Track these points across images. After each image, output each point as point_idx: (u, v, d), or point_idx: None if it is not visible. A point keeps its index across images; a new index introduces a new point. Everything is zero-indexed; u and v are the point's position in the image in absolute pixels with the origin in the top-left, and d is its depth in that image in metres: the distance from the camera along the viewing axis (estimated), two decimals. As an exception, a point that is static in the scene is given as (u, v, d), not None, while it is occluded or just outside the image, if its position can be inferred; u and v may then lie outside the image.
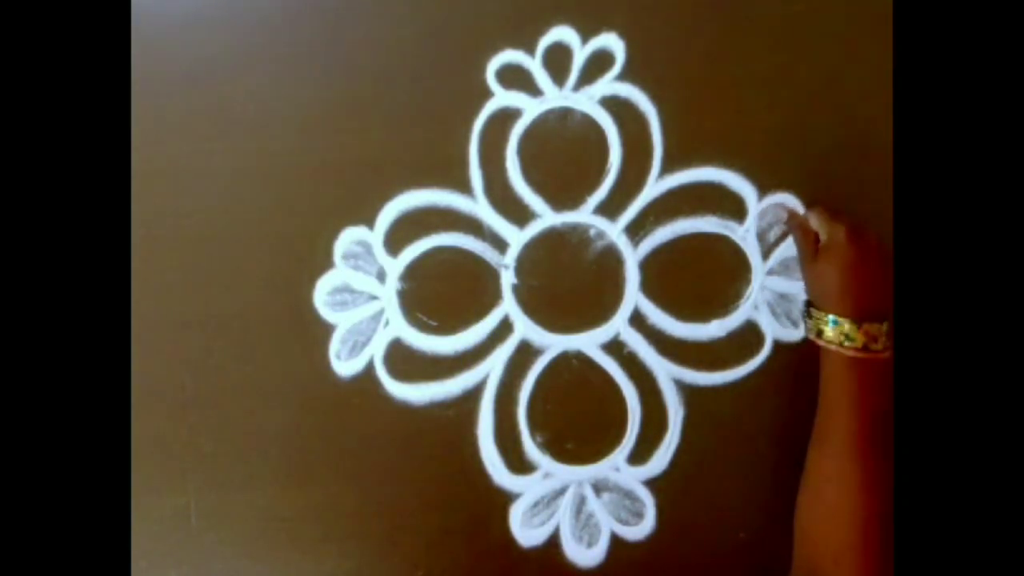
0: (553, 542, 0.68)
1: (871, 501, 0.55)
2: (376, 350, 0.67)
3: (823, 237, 0.61)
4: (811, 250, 0.61)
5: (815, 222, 0.63)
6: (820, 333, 0.60)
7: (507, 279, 0.68)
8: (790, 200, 0.67)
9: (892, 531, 0.53)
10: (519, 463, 0.68)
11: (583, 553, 0.68)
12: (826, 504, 0.57)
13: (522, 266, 0.68)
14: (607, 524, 0.68)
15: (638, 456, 0.68)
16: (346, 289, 0.68)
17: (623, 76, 0.67)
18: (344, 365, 0.67)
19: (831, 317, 0.58)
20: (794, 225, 0.64)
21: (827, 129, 0.67)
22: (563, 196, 0.67)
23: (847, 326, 0.57)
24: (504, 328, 0.68)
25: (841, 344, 0.58)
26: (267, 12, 0.67)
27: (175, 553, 0.68)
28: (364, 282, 0.68)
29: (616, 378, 0.68)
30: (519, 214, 0.67)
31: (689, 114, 0.67)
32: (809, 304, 0.63)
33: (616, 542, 0.68)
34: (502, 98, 0.67)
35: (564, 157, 0.67)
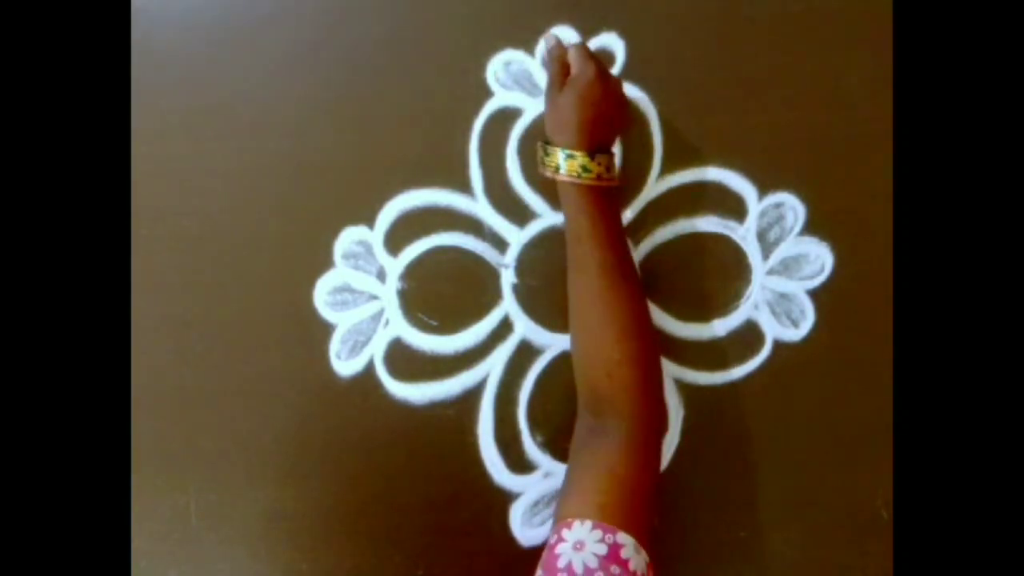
0: (553, 542, 0.68)
1: (630, 315, 0.58)
2: (376, 350, 0.68)
3: (574, 71, 0.61)
4: (560, 81, 0.61)
5: (572, 56, 0.62)
6: (558, 169, 0.60)
7: (507, 279, 0.68)
8: (789, 199, 0.67)
9: (655, 340, 0.60)
10: (519, 462, 0.68)
11: (583, 553, 0.68)
12: (592, 326, 0.59)
13: (522, 266, 0.68)
14: (607, 524, 0.68)
15: (638, 456, 0.68)
16: (346, 289, 0.68)
17: (623, 76, 0.66)
18: (344, 365, 0.68)
19: (565, 152, 0.59)
20: (554, 56, 0.63)
21: (827, 129, 0.67)
22: (563, 196, 0.67)
23: (583, 159, 0.59)
24: (504, 328, 0.68)
25: (579, 176, 0.59)
26: (267, 12, 0.67)
27: (175, 553, 0.68)
28: (364, 282, 0.68)
29: (616, 378, 0.68)
30: (519, 213, 0.67)
31: (689, 114, 0.67)
32: (546, 143, 0.62)
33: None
34: (502, 98, 0.67)
35: (564, 157, 0.67)
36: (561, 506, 0.54)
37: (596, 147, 0.59)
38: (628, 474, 0.53)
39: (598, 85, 0.59)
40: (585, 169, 0.58)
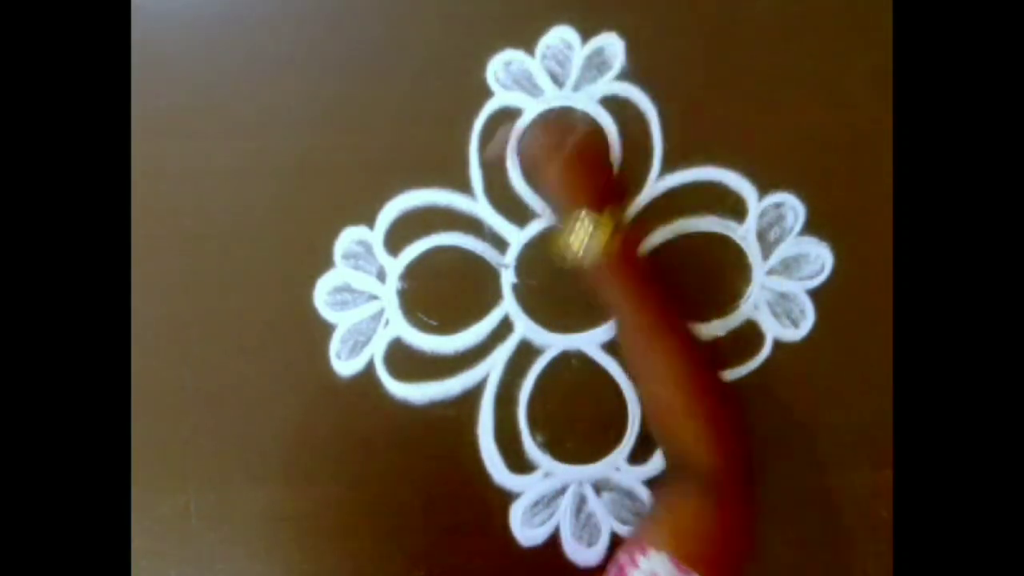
0: (553, 541, 0.68)
1: (688, 378, 0.57)
2: (376, 350, 0.67)
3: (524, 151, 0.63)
4: (530, 166, 0.63)
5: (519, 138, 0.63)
6: (568, 247, 0.57)
7: (507, 279, 0.68)
8: (789, 199, 0.67)
9: (718, 388, 0.59)
10: (519, 463, 0.68)
11: (583, 552, 0.68)
12: (658, 401, 0.59)
13: (522, 266, 0.68)
14: (607, 523, 0.68)
15: (638, 456, 0.68)
16: (346, 289, 0.68)
17: (623, 76, 0.66)
18: (344, 365, 0.67)
19: (575, 217, 0.56)
20: (512, 148, 0.64)
21: (827, 129, 0.67)
22: (563, 196, 0.67)
23: (587, 221, 0.56)
24: (504, 328, 0.68)
25: (590, 238, 0.56)
26: (267, 12, 0.67)
27: (175, 553, 0.68)
28: (364, 282, 0.68)
29: (616, 378, 0.68)
30: (519, 213, 0.67)
31: (689, 114, 0.67)
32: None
33: (617, 542, 0.68)
34: (502, 98, 0.67)
35: (564, 157, 0.67)
36: (643, 529, 0.55)
37: (593, 203, 0.57)
38: (712, 527, 0.54)
39: (541, 150, 0.60)
40: (592, 232, 0.56)
